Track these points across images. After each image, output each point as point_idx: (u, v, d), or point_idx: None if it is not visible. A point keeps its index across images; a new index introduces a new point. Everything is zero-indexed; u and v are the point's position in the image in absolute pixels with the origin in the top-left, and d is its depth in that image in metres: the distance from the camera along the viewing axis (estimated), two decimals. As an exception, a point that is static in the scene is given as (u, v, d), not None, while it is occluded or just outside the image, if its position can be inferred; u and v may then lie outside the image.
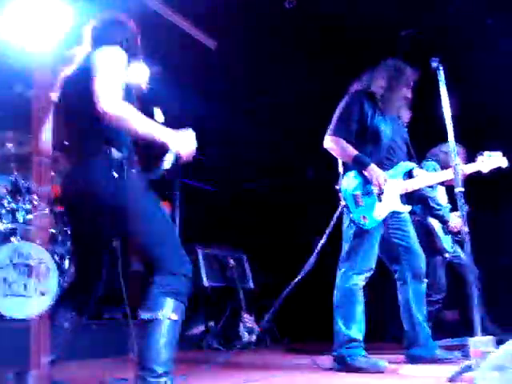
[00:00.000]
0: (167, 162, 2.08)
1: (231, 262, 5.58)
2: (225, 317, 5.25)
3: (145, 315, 1.89)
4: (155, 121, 4.73)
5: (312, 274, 3.28)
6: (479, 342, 2.27)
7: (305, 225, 6.84)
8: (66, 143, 2.21)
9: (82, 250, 2.25)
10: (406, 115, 3.34)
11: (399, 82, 3.19)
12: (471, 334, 3.82)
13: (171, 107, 5.06)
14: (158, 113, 5.25)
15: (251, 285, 5.88)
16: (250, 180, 7.27)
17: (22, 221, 4.10)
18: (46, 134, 2.26)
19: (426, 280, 3.26)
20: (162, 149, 2.03)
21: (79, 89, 2.05)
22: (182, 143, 2.01)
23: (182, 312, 1.95)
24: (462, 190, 2.52)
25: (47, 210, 4.26)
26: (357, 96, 3.22)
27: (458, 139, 2.68)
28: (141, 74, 4.57)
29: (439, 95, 2.65)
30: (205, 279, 5.33)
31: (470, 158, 3.32)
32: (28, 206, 4.17)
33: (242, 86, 5.45)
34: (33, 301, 3.73)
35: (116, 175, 1.97)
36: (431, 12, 4.29)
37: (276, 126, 6.12)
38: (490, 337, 2.31)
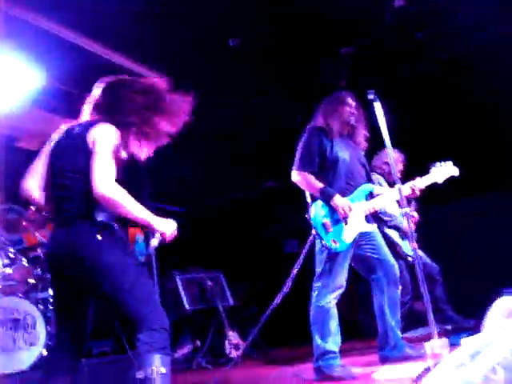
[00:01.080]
0: (154, 243, 2.37)
1: (208, 282, 5.80)
2: (210, 336, 5.46)
3: (139, 375, 2.05)
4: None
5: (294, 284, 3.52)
6: (435, 344, 2.53)
7: (272, 231, 7.12)
8: (49, 200, 2.33)
9: (65, 305, 2.36)
10: (361, 138, 3.65)
11: (336, 106, 3.56)
12: (439, 321, 4.15)
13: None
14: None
15: (230, 301, 6.10)
16: (212, 196, 7.45)
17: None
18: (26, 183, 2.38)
19: (400, 286, 3.55)
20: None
21: (75, 155, 2.22)
22: (166, 228, 2.26)
23: (169, 363, 2.13)
24: (408, 210, 2.83)
25: (25, 262, 4.39)
26: (313, 131, 3.54)
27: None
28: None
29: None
30: (186, 304, 5.53)
31: (423, 171, 3.55)
32: (6, 261, 4.27)
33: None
34: (23, 353, 3.87)
35: (100, 238, 2.15)
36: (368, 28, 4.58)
37: (233, 139, 6.32)
38: (445, 338, 2.58)
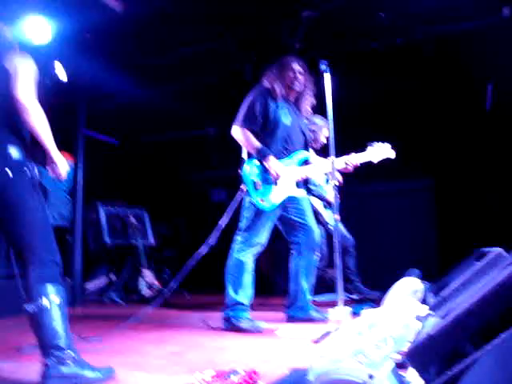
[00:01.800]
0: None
1: (132, 219, 5.78)
2: (125, 272, 5.49)
3: (30, 307, 2.08)
4: (56, 74, 4.64)
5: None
6: (338, 311, 2.72)
7: (202, 178, 7.15)
8: None
9: None
10: (307, 105, 3.69)
11: (281, 70, 3.58)
12: (347, 290, 4.40)
13: (73, 64, 5.06)
14: (58, 67, 5.15)
15: (152, 241, 6.13)
16: (150, 134, 7.32)
17: None
18: None
19: (318, 253, 3.71)
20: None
21: None
22: (61, 165, 2.27)
23: (63, 292, 2.17)
24: (337, 183, 2.94)
25: None
26: (260, 92, 3.56)
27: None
28: (42, 28, 4.49)
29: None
30: (106, 236, 5.50)
31: (361, 148, 3.64)
32: None
33: (146, 45, 5.44)
34: None
35: (9, 172, 2.13)
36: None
37: (177, 81, 6.20)
38: (348, 307, 2.77)
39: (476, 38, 4.68)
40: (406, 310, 2.33)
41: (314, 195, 4.56)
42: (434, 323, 2.01)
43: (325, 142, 4.59)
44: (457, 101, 5.51)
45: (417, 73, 5.11)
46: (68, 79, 5.06)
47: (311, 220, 3.68)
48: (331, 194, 4.54)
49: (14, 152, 2.16)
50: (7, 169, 2.13)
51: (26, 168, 2.19)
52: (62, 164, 2.29)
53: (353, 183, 4.63)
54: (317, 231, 3.68)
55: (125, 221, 5.83)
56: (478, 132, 5.46)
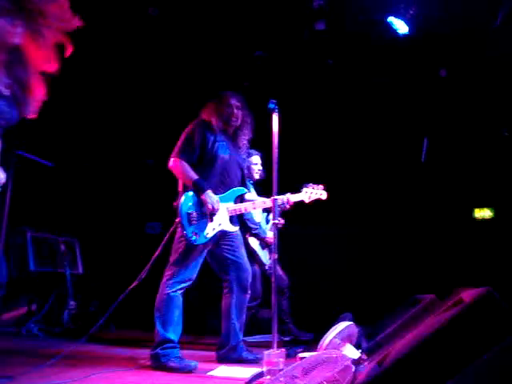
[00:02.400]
0: None
1: (62, 246, 5.50)
2: (49, 302, 5.16)
3: None
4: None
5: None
6: (272, 353, 2.65)
7: (138, 210, 6.97)
8: None
9: None
10: (244, 140, 3.69)
11: (219, 105, 3.60)
12: (280, 332, 4.34)
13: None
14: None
15: (80, 270, 5.84)
16: (88, 160, 7.11)
17: None
18: None
19: (249, 292, 3.63)
20: None
21: None
22: None
23: None
24: (277, 222, 2.92)
25: None
26: (199, 124, 3.55)
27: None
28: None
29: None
30: (31, 263, 5.18)
31: (296, 188, 3.67)
32: None
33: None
34: None
35: None
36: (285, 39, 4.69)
37: (120, 108, 6.11)
38: (282, 349, 2.71)
39: (415, 95, 4.94)
40: (342, 354, 2.30)
41: (252, 234, 4.53)
42: (369, 369, 1.99)
43: (257, 177, 4.61)
44: (394, 151, 5.74)
45: (359, 120, 5.31)
46: None
47: (243, 257, 3.62)
48: (270, 234, 4.54)
49: None
50: None
51: None
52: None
53: (290, 224, 4.66)
54: (249, 269, 3.62)
55: (54, 247, 5.53)
56: (414, 182, 5.70)
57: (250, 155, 4.41)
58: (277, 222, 2.94)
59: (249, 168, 4.48)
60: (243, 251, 3.65)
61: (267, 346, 2.81)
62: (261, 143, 3.78)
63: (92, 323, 5.32)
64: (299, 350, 3.30)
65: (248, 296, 3.63)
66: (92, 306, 5.79)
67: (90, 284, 6.17)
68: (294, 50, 4.45)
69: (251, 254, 4.49)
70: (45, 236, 5.60)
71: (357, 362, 2.30)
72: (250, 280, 3.61)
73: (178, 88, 5.49)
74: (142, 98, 5.69)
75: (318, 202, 3.66)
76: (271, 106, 3.03)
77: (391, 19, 4.00)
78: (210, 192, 3.37)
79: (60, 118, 6.03)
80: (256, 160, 4.59)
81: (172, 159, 3.47)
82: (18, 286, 5.22)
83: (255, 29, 4.48)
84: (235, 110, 3.61)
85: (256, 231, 4.55)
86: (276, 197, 3.04)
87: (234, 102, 3.62)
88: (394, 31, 4.16)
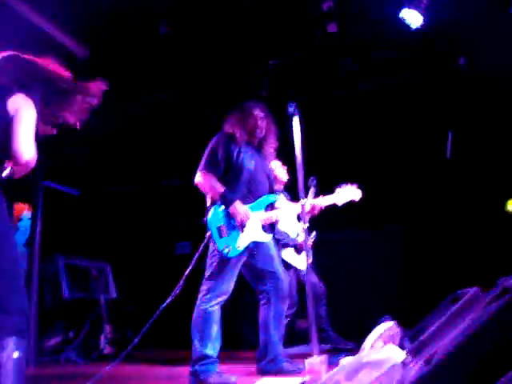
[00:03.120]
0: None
1: (94, 272, 5.52)
2: (85, 329, 5.17)
3: None
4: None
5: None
6: (314, 361, 2.57)
7: (167, 231, 6.99)
8: None
9: None
10: (270, 149, 3.66)
11: (244, 116, 3.56)
12: (319, 341, 4.25)
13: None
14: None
15: (114, 295, 5.85)
16: (113, 185, 7.19)
17: None
18: None
19: (287, 302, 3.56)
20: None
21: None
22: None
23: (24, 347, 1.97)
24: (307, 226, 2.86)
25: None
26: (221, 137, 3.53)
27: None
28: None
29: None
30: (65, 290, 5.21)
31: (328, 191, 3.62)
32: None
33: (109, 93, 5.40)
34: None
35: None
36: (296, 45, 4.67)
37: (143, 131, 6.16)
38: (325, 356, 2.63)
39: (436, 87, 4.84)
40: (386, 356, 2.22)
41: (282, 245, 4.45)
42: (418, 368, 1.90)
43: (285, 180, 4.56)
44: (419, 148, 5.63)
45: (381, 120, 5.22)
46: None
47: (279, 267, 3.55)
48: (302, 238, 4.45)
49: None
50: None
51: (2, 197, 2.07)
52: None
53: (322, 230, 4.59)
54: (285, 279, 3.56)
55: (86, 274, 5.57)
56: (440, 179, 5.57)
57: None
58: (306, 225, 2.87)
59: (274, 176, 4.44)
60: (278, 260, 3.59)
61: (308, 356, 2.73)
62: (283, 150, 3.73)
63: (129, 345, 5.37)
64: (341, 358, 3.21)
65: (286, 306, 3.56)
66: (128, 329, 5.79)
67: (125, 308, 6.18)
68: (309, 53, 4.41)
69: (284, 263, 4.42)
70: (77, 262, 5.64)
71: (402, 364, 2.21)
72: (287, 290, 3.54)
73: (196, 104, 5.50)
74: (161, 117, 5.72)
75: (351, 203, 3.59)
76: (291, 109, 2.98)
77: (403, 13, 3.92)
78: (238, 203, 3.34)
79: (82, 146, 6.12)
80: (276, 164, 4.53)
81: (198, 173, 3.45)
82: (54, 314, 5.26)
83: (267, 37, 4.47)
84: (259, 122, 3.57)
85: (284, 241, 4.46)
86: (307, 200, 2.97)
87: (257, 112, 3.58)
88: (407, 26, 4.08)
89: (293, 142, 2.98)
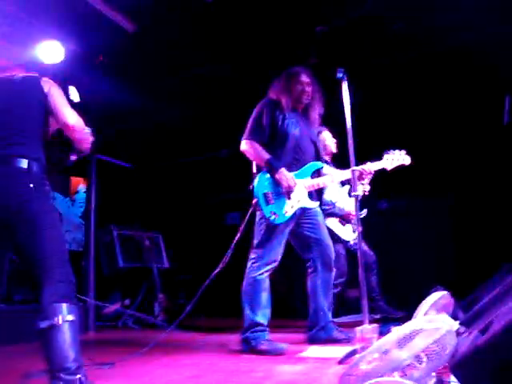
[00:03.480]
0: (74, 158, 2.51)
1: (147, 242, 5.68)
2: (140, 296, 5.36)
3: (43, 324, 2.00)
4: (70, 99, 4.74)
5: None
6: (365, 329, 2.55)
7: (217, 202, 7.07)
8: None
9: None
10: (315, 113, 3.58)
11: (291, 83, 3.50)
12: (370, 310, 4.23)
13: (86, 86, 5.05)
14: (73, 91, 5.13)
15: (166, 264, 6.01)
16: (164, 158, 7.31)
17: None
18: None
19: (334, 269, 3.55)
20: (70, 146, 2.43)
21: (24, 100, 2.33)
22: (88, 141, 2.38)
23: (76, 312, 2.09)
24: (358, 193, 2.81)
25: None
26: (266, 104, 3.49)
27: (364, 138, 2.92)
28: (54, 50, 4.49)
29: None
30: (120, 260, 5.39)
31: (377, 156, 3.52)
32: None
33: (160, 67, 5.45)
34: None
35: (32, 186, 2.15)
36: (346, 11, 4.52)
37: (191, 104, 6.19)
38: (375, 325, 2.60)
39: (492, 49, 4.59)
40: (438, 325, 2.17)
41: (328, 215, 4.39)
42: (472, 338, 1.85)
43: (334, 151, 4.48)
44: (474, 114, 5.40)
45: (433, 85, 5.02)
46: (80, 102, 5.04)
47: (325, 235, 3.53)
48: (350, 207, 4.39)
49: (37, 168, 2.21)
50: (31, 183, 2.15)
51: (46, 186, 2.23)
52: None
53: (372, 200, 4.50)
54: (331, 246, 3.53)
55: (139, 244, 5.73)
56: (496, 145, 5.33)
57: (319, 133, 4.32)
58: (357, 194, 2.81)
59: (324, 146, 4.37)
60: (325, 228, 3.56)
61: (357, 326, 2.72)
62: (331, 118, 3.65)
63: (182, 314, 5.53)
64: (391, 327, 3.17)
65: (333, 274, 3.54)
66: (180, 297, 5.96)
67: (177, 277, 6.35)
68: (358, 18, 4.26)
69: (331, 233, 4.38)
70: (130, 233, 5.81)
71: (456, 333, 2.16)
72: (333, 257, 3.52)
73: (244, 74, 5.45)
74: (209, 90, 5.71)
75: (399, 172, 3.49)
76: (339, 74, 2.90)
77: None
78: (283, 170, 3.31)
79: (133, 122, 6.24)
80: (327, 135, 4.47)
81: (243, 141, 3.44)
82: (111, 283, 5.47)
83: (313, 3, 4.34)
84: (306, 88, 3.51)
85: (330, 210, 4.40)
86: (355, 168, 2.89)
87: (304, 78, 3.52)
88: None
89: (342, 108, 2.91)
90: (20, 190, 2.13)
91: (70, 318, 2.03)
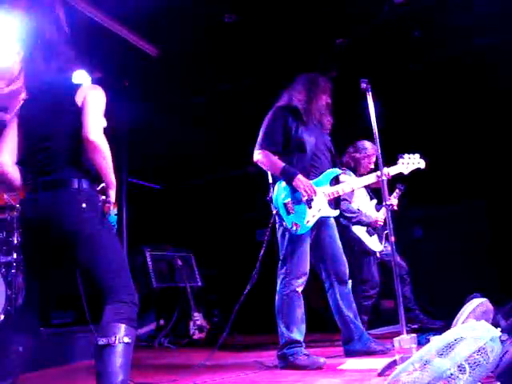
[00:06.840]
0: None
1: (179, 262, 5.72)
2: (175, 316, 5.39)
3: (101, 341, 2.02)
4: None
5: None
6: (403, 340, 2.52)
7: (247, 218, 7.08)
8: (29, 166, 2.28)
9: (33, 270, 2.33)
10: (327, 122, 3.51)
11: (316, 92, 3.42)
12: (406, 320, 4.16)
13: (111, 111, 5.16)
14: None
15: (199, 282, 6.03)
16: (192, 177, 7.38)
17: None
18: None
19: (349, 280, 3.49)
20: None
21: (56, 116, 2.22)
22: (113, 203, 2.24)
23: (134, 335, 2.10)
24: (389, 203, 2.79)
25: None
26: (280, 111, 3.40)
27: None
28: (82, 81, 4.62)
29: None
30: (153, 281, 5.44)
31: (391, 161, 3.51)
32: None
33: (184, 88, 5.54)
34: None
35: (84, 206, 2.12)
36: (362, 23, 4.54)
37: (214, 123, 6.26)
38: (414, 335, 2.57)
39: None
40: (481, 332, 2.12)
41: (354, 224, 4.34)
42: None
43: (372, 166, 4.43)
44: (503, 118, 5.31)
45: (458, 90, 4.98)
46: (108, 127, 5.15)
47: (340, 250, 3.45)
48: (378, 215, 4.35)
49: (86, 185, 2.16)
50: (83, 203, 2.12)
51: (99, 203, 2.18)
52: (113, 204, 2.28)
53: (402, 207, 4.45)
54: (345, 262, 3.44)
55: (172, 264, 5.78)
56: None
57: (362, 149, 4.35)
58: (389, 203, 2.78)
59: (364, 159, 4.37)
60: (338, 240, 3.48)
61: (394, 337, 2.67)
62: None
63: (216, 332, 5.53)
64: (430, 337, 3.12)
65: (349, 286, 3.48)
66: (214, 316, 5.97)
67: (210, 295, 6.36)
68: (377, 28, 4.28)
69: (359, 243, 4.35)
70: (162, 253, 5.86)
71: (500, 341, 2.11)
72: (347, 272, 3.44)
73: (265, 88, 5.50)
74: (233, 106, 5.77)
75: (419, 179, 3.46)
76: (363, 85, 2.91)
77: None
78: (300, 176, 3.21)
79: (160, 145, 6.34)
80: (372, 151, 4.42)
81: (255, 152, 3.34)
82: (145, 303, 5.52)
83: (332, 16, 4.38)
84: (329, 100, 3.47)
85: (356, 219, 4.34)
86: (379, 173, 2.87)
87: (328, 90, 3.47)
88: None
89: (368, 117, 2.92)
90: (72, 212, 2.11)
91: (126, 339, 2.04)
